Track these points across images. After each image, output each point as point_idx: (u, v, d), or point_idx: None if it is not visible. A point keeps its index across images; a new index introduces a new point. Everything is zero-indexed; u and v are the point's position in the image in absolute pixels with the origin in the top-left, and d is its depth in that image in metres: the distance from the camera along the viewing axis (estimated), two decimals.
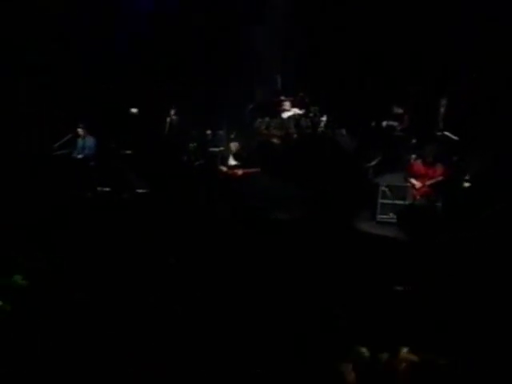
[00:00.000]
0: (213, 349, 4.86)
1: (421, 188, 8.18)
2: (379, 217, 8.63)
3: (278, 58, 10.77)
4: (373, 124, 10.10)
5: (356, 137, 10.17)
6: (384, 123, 9.88)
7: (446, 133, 9.23)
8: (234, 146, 9.73)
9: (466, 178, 8.69)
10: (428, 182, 8.15)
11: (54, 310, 5.67)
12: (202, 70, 10.96)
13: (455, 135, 9.37)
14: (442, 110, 9.71)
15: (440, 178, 8.16)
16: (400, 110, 9.91)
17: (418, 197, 8.18)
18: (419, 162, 8.38)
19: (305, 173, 9.45)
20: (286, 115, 10.34)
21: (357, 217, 8.89)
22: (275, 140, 10.12)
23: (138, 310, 5.76)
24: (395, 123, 9.85)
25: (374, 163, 9.57)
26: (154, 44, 11.16)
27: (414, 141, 9.66)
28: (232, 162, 9.59)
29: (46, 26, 10.49)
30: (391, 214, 8.55)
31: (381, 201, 8.66)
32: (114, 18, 11.04)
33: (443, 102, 9.69)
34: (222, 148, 10.03)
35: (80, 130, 9.81)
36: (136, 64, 11.07)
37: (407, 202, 8.32)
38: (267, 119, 10.43)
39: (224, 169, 9.55)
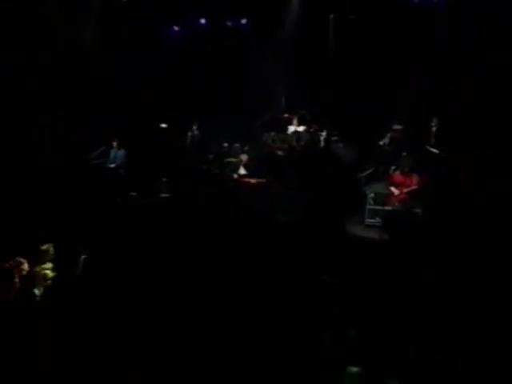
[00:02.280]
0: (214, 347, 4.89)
1: (398, 195, 8.40)
2: (367, 221, 8.83)
3: (282, 81, 11.13)
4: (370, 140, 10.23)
5: (352, 149, 10.40)
6: (381, 142, 10.00)
7: (428, 147, 9.40)
8: (244, 157, 10.16)
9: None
10: (405, 190, 8.37)
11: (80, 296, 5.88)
12: (220, 92, 11.44)
13: (443, 150, 9.54)
14: (434, 127, 9.77)
15: (415, 187, 8.36)
16: (399, 126, 10.01)
17: (397, 203, 8.38)
18: (398, 172, 8.63)
19: (305, 180, 9.64)
20: (289, 130, 10.70)
21: (349, 220, 8.98)
22: (279, 152, 10.43)
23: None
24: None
25: (366, 173, 9.75)
26: (180, 73, 11.80)
27: (404, 153, 9.88)
28: (242, 171, 10.01)
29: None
30: (377, 219, 8.72)
31: (369, 207, 8.87)
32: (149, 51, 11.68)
33: (435, 120, 9.76)
34: (234, 159, 10.38)
35: (114, 143, 10.35)
36: (166, 88, 11.70)
37: (386, 208, 8.52)
38: (273, 134, 10.82)
39: (235, 176, 9.95)
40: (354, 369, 4.27)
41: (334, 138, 10.60)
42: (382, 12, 10.37)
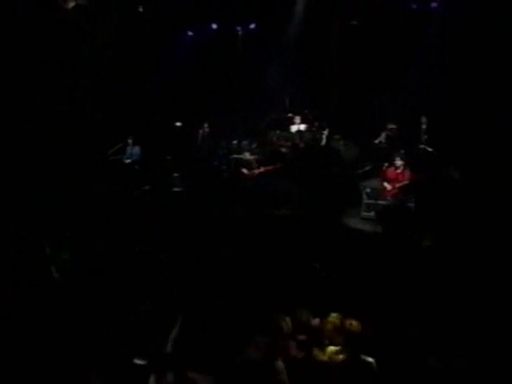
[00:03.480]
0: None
1: (391, 190, 8.63)
2: (363, 214, 9.09)
3: (286, 83, 11.49)
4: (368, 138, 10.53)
5: (352, 147, 10.71)
6: (377, 141, 10.27)
7: (423, 145, 9.69)
8: (247, 154, 10.51)
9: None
10: (397, 185, 8.59)
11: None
12: (230, 93, 11.97)
13: (432, 147, 9.79)
14: (424, 126, 10.03)
15: (406, 182, 8.57)
16: (393, 126, 10.23)
17: (389, 197, 8.62)
18: (391, 168, 8.81)
19: (306, 175, 9.93)
20: (292, 129, 10.98)
21: (346, 214, 9.26)
22: (283, 149, 10.74)
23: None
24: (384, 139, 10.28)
25: (365, 169, 10.09)
26: (194, 77, 12.20)
27: (402, 151, 10.23)
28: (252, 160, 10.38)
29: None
30: (372, 212, 8.95)
31: (365, 201, 9.13)
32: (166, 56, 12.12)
33: (424, 119, 10.00)
34: (242, 156, 10.65)
35: (129, 141, 10.80)
36: (180, 89, 12.14)
37: (380, 202, 8.77)
38: (277, 132, 11.14)
39: (245, 171, 10.24)
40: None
41: (336, 137, 10.87)
42: (381, 17, 10.67)
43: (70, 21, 10.18)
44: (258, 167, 10.17)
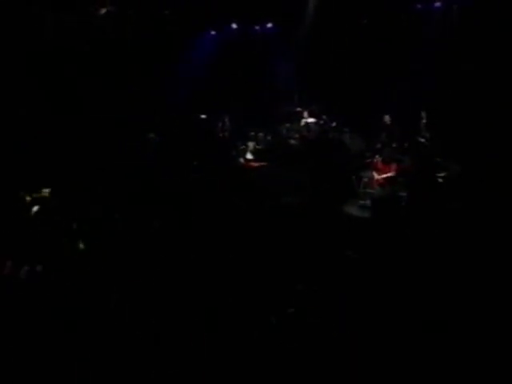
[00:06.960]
0: None
1: (378, 180, 9.14)
2: (359, 202, 9.43)
3: (295, 80, 12.13)
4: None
5: (357, 140, 11.18)
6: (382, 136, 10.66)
7: (421, 139, 10.09)
8: (251, 144, 11.19)
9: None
10: (383, 176, 9.11)
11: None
12: (247, 90, 12.64)
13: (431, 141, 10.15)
14: (424, 121, 10.41)
15: (391, 174, 9.07)
16: (388, 118, 10.72)
17: (376, 186, 9.13)
18: (380, 160, 9.32)
19: (312, 165, 10.39)
20: (302, 122, 11.61)
21: (347, 201, 9.52)
22: (292, 141, 11.38)
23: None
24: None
25: (367, 161, 10.43)
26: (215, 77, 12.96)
27: (406, 144, 10.55)
28: (248, 156, 11.14)
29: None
30: (368, 201, 9.30)
31: (361, 190, 9.59)
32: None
33: (423, 114, 10.39)
34: (247, 146, 11.36)
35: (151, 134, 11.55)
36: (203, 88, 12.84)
37: (367, 190, 9.28)
38: (288, 125, 11.78)
39: (242, 161, 10.97)
40: None
41: (343, 129, 11.34)
42: (388, 17, 11.05)
43: (98, 25, 10.98)
44: (254, 161, 10.80)
